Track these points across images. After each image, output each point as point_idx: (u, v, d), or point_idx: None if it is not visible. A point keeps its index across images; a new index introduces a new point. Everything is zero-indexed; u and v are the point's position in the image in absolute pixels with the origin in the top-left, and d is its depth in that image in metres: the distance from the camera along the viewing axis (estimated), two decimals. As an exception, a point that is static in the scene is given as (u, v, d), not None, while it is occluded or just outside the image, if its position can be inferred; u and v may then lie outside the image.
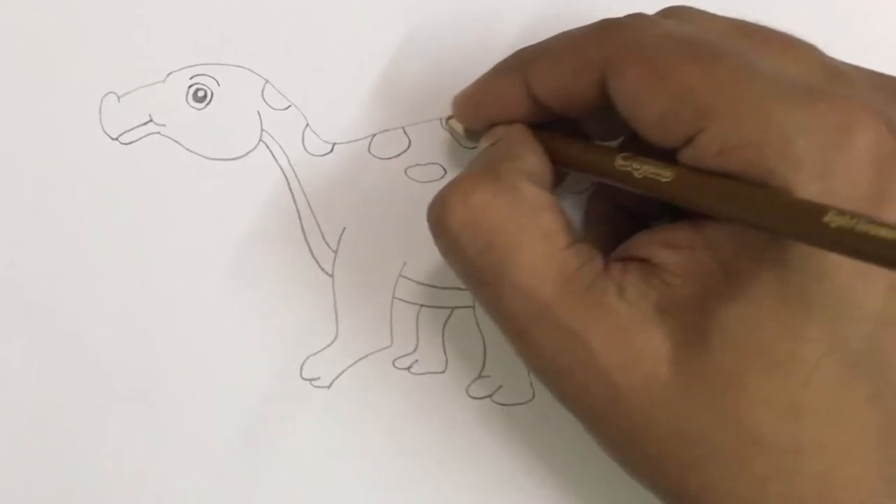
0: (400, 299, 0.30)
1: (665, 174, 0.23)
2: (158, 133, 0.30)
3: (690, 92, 0.22)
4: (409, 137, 0.30)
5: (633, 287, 0.23)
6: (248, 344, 0.30)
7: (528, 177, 0.25)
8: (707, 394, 0.22)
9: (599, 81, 0.24)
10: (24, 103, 0.30)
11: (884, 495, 0.22)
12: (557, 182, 0.27)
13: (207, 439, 0.30)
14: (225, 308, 0.30)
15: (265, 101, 0.30)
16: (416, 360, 0.30)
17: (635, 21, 0.24)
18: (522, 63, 0.26)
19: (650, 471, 0.23)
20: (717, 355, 0.22)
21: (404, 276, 0.30)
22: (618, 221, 0.28)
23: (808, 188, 0.21)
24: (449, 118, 0.29)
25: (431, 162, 0.30)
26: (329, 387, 0.30)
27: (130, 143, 0.30)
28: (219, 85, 0.30)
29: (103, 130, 0.30)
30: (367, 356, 0.30)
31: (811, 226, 0.20)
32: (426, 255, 0.30)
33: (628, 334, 0.23)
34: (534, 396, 0.30)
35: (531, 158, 0.26)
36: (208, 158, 0.30)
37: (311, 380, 0.30)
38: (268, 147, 0.30)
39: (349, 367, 0.30)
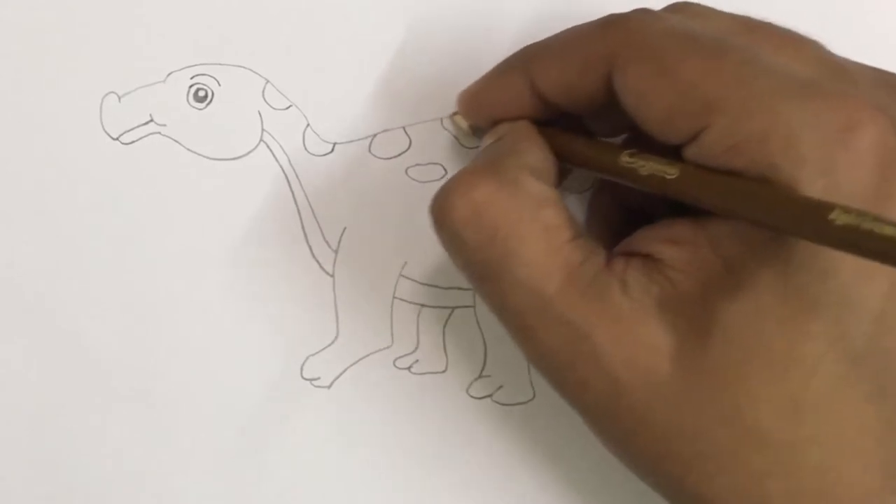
0: (400, 299, 0.30)
1: (670, 171, 0.23)
2: (159, 133, 0.30)
3: (695, 88, 0.22)
4: (409, 137, 0.30)
5: (635, 282, 0.23)
6: (248, 344, 0.30)
7: (531, 172, 0.25)
8: (708, 390, 0.22)
9: (604, 77, 0.24)
10: (24, 103, 0.30)
11: (884, 491, 0.22)
12: (561, 178, 0.27)
13: (207, 439, 0.30)
14: (225, 308, 0.30)
15: (266, 101, 0.30)
16: (417, 360, 0.30)
17: (640, 16, 0.24)
18: (527, 60, 0.26)
19: (651, 466, 0.23)
20: (718, 351, 0.22)
21: (405, 276, 0.30)
22: (620, 217, 0.28)
23: (813, 185, 0.21)
24: (454, 115, 0.29)
25: (432, 162, 0.30)
26: (329, 387, 0.30)
27: (131, 143, 0.30)
28: (219, 85, 0.30)
29: (104, 130, 0.30)
30: (367, 356, 0.30)
31: (816, 223, 0.20)
32: (427, 255, 0.30)
33: (630, 329, 0.23)
34: (534, 396, 0.30)
35: (535, 154, 0.26)
36: (209, 158, 0.30)
37: (311, 380, 0.30)
38: (268, 147, 0.30)
39: (349, 367, 0.30)
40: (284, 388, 0.30)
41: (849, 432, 0.22)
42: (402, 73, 0.30)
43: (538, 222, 0.24)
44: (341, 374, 0.30)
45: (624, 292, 0.23)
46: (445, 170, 0.30)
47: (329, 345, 0.30)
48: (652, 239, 0.24)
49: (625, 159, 0.24)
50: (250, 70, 0.30)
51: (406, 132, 0.30)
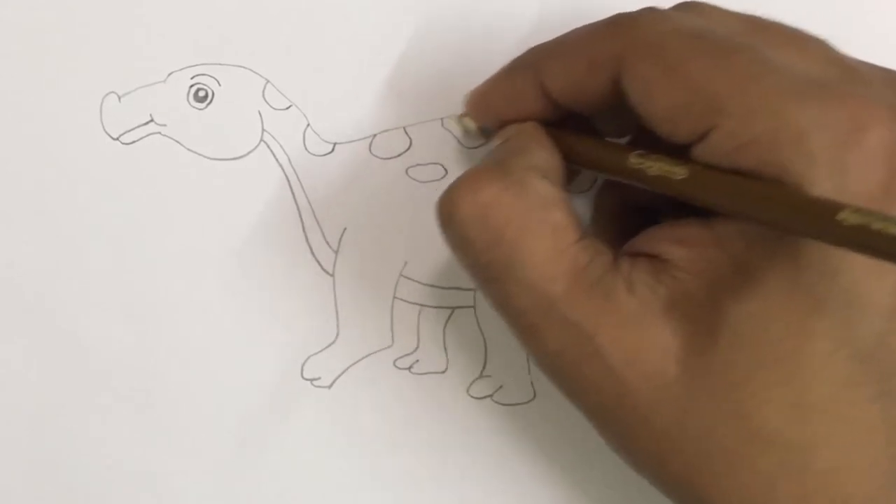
0: (401, 299, 0.30)
1: (678, 171, 0.23)
2: (159, 133, 0.30)
3: (703, 87, 0.22)
4: (410, 137, 0.30)
5: (642, 283, 0.23)
6: (249, 344, 0.30)
7: (538, 173, 0.25)
8: (715, 390, 0.22)
9: (612, 77, 0.24)
10: (24, 103, 0.30)
11: (892, 491, 0.22)
12: (569, 180, 0.27)
13: (207, 439, 0.30)
14: (225, 308, 0.30)
15: (266, 101, 0.30)
16: (417, 360, 0.30)
17: (648, 16, 0.24)
18: (536, 60, 0.26)
19: (656, 466, 0.23)
20: (725, 352, 0.22)
21: (405, 276, 0.30)
22: (626, 217, 0.28)
23: (822, 185, 0.21)
24: (462, 115, 0.29)
25: (433, 162, 0.30)
26: (329, 387, 0.30)
27: (131, 143, 0.30)
28: (220, 85, 0.30)
29: (104, 130, 0.30)
30: (367, 356, 0.30)
31: (825, 224, 0.20)
32: (427, 255, 0.30)
33: (637, 330, 0.23)
34: (535, 396, 0.30)
35: (542, 155, 0.26)
36: (209, 158, 0.30)
37: (311, 380, 0.30)
38: (269, 147, 0.30)
39: (350, 367, 0.30)
40: (284, 388, 0.30)
41: (856, 433, 0.22)
42: (403, 72, 0.30)
43: (545, 223, 0.24)
44: (341, 374, 0.30)
45: (630, 293, 0.23)
46: (446, 170, 0.30)
47: (329, 345, 0.30)
48: (659, 239, 0.24)
49: (633, 160, 0.24)
50: (250, 70, 0.30)
51: (406, 132, 0.30)
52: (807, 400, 0.22)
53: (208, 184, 0.30)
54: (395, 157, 0.30)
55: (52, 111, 0.30)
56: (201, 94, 0.30)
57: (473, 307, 0.30)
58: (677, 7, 0.26)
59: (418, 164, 0.30)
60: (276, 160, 0.30)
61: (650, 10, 0.24)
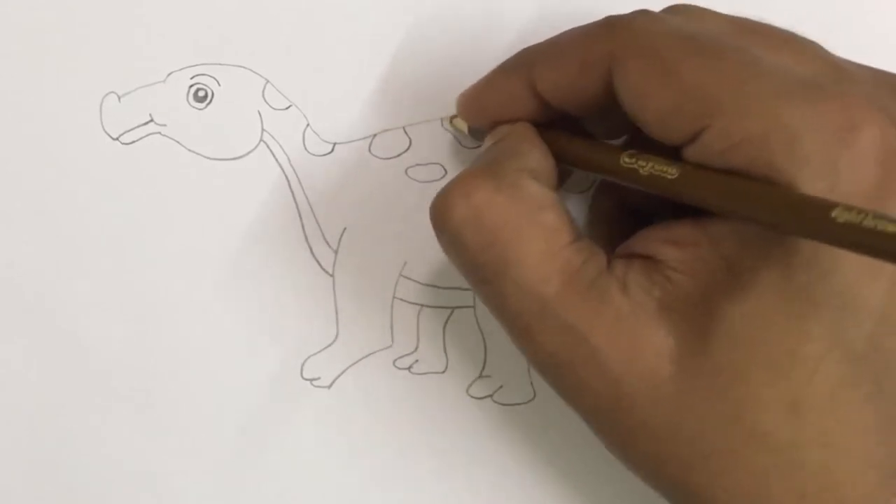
0: (400, 299, 0.30)
1: (671, 171, 0.23)
2: (159, 133, 0.30)
3: (695, 88, 0.22)
4: (409, 137, 0.30)
5: (636, 284, 0.23)
6: (248, 344, 0.30)
7: (530, 174, 0.25)
8: (710, 391, 0.22)
9: (605, 79, 0.24)
10: (24, 103, 0.30)
11: (885, 491, 0.22)
12: (562, 180, 0.27)
13: (207, 439, 0.30)
14: (225, 308, 0.30)
15: (266, 101, 0.30)
16: (417, 360, 0.30)
17: (640, 18, 0.24)
18: (528, 61, 0.26)
19: (653, 467, 0.23)
20: (720, 352, 0.22)
21: (405, 276, 0.30)
22: (622, 218, 0.28)
23: (814, 185, 0.21)
24: (453, 117, 0.29)
25: (432, 162, 0.30)
26: (329, 387, 0.30)
27: (131, 143, 0.30)
28: (219, 85, 0.30)
29: (104, 130, 0.30)
30: (367, 356, 0.30)
31: (818, 222, 0.20)
32: (427, 255, 0.30)
33: (631, 331, 0.23)
34: (534, 396, 0.30)
35: (535, 156, 0.26)
36: (209, 158, 0.30)
37: (311, 380, 0.30)
38: (268, 147, 0.30)
39: (349, 367, 0.30)
40: (284, 388, 0.30)
41: (850, 432, 0.22)
42: (403, 73, 0.30)
43: (538, 225, 0.24)
44: (341, 374, 0.30)
45: (624, 294, 0.23)
46: (445, 170, 0.30)
47: (329, 345, 0.30)
48: (653, 240, 0.24)
49: (625, 160, 0.24)
50: (250, 70, 0.30)
51: (406, 132, 0.30)
52: (801, 400, 0.22)
53: (208, 184, 0.30)
54: (394, 157, 0.30)
55: (52, 111, 0.30)
56: (201, 94, 0.30)
57: (473, 307, 0.30)
58: (669, 10, 0.26)
59: (418, 164, 0.30)
60: (276, 160, 0.30)
61: (642, 13, 0.25)
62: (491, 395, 0.30)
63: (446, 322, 0.30)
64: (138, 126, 0.30)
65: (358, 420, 0.30)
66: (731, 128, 0.22)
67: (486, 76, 0.27)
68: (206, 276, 0.30)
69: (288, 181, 0.30)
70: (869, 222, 0.19)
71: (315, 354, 0.30)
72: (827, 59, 0.25)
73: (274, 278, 0.30)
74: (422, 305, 0.30)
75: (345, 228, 0.30)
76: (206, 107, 0.30)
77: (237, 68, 0.30)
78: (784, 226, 0.21)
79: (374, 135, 0.30)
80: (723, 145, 0.22)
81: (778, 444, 0.22)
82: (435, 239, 0.25)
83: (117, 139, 0.30)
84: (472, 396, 0.30)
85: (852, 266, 0.22)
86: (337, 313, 0.30)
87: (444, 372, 0.30)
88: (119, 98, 0.30)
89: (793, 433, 0.22)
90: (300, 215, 0.30)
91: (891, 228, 0.18)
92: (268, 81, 0.30)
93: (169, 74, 0.30)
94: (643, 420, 0.23)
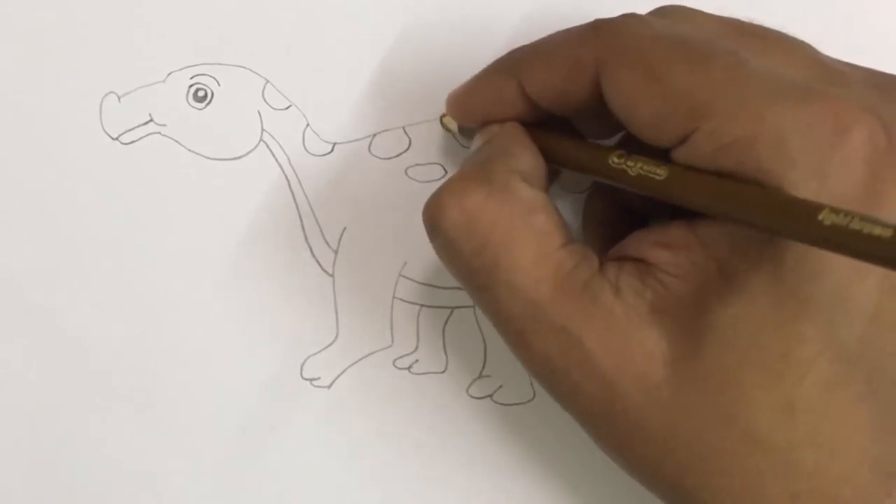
0: (400, 299, 0.30)
1: (659, 172, 0.23)
2: (159, 133, 0.30)
3: (684, 92, 0.22)
4: (409, 137, 0.30)
5: (628, 287, 0.23)
6: (248, 344, 0.30)
7: (521, 176, 0.25)
8: (703, 393, 0.22)
9: (593, 81, 0.24)
10: (24, 103, 0.30)
11: (880, 490, 0.22)
12: (552, 180, 0.27)
13: (207, 439, 0.30)
14: (225, 308, 0.30)
15: (265, 100, 0.30)
16: (417, 360, 0.30)
17: (628, 21, 0.24)
18: (516, 62, 0.26)
19: (648, 470, 0.23)
20: (712, 355, 0.22)
21: (404, 276, 0.30)
22: (616, 221, 0.28)
23: (803, 187, 0.21)
24: (443, 116, 0.29)
25: (432, 162, 0.30)
26: (329, 387, 0.30)
27: (131, 143, 0.30)
28: (219, 85, 0.30)
29: (103, 130, 0.30)
30: (367, 356, 0.30)
31: (806, 224, 0.20)
32: (426, 255, 0.30)
33: (624, 334, 0.23)
34: (534, 396, 0.30)
35: (525, 157, 0.26)
36: (208, 158, 0.30)
37: (311, 380, 0.30)
38: (268, 147, 0.30)
39: (349, 367, 0.30)
40: (284, 388, 0.30)
41: (843, 433, 0.22)
42: (402, 72, 0.30)
43: (529, 228, 0.24)
44: (341, 374, 0.30)
45: (617, 297, 0.23)
46: (445, 170, 0.30)
47: (329, 345, 0.30)
48: (645, 243, 0.24)
49: (614, 160, 0.24)
50: (250, 70, 0.30)
51: (406, 132, 0.30)
52: (794, 401, 0.22)
53: (208, 184, 0.30)
54: (394, 156, 0.30)
55: (52, 111, 0.30)
56: (201, 94, 0.30)
57: (473, 307, 0.30)
58: (657, 12, 0.26)
59: (417, 164, 0.30)
60: (276, 160, 0.30)
61: (630, 16, 0.25)
62: (490, 395, 0.30)
63: (446, 322, 0.30)
64: (138, 126, 0.30)
65: (358, 420, 0.30)
66: (719, 130, 0.22)
67: (474, 76, 0.28)
68: (206, 276, 0.30)
69: (288, 181, 0.30)
70: (855, 225, 0.19)
71: (315, 354, 0.30)
72: (817, 59, 0.24)
73: (274, 278, 0.30)
74: (421, 305, 0.30)
75: (345, 228, 0.30)
76: (205, 107, 0.30)
77: (237, 68, 0.30)
78: (772, 227, 0.21)
79: (374, 135, 0.30)
80: (711, 147, 0.22)
81: (772, 445, 0.22)
82: (435, 240, 0.25)
83: (117, 139, 0.30)
84: (471, 396, 0.30)
85: (843, 266, 0.22)
86: (337, 313, 0.30)
87: (443, 372, 0.30)
88: (119, 98, 0.30)
89: (786, 434, 0.22)
90: (300, 215, 0.30)
91: (877, 231, 0.18)
92: (268, 81, 0.30)
93: (169, 74, 0.30)
94: (637, 423, 0.23)
